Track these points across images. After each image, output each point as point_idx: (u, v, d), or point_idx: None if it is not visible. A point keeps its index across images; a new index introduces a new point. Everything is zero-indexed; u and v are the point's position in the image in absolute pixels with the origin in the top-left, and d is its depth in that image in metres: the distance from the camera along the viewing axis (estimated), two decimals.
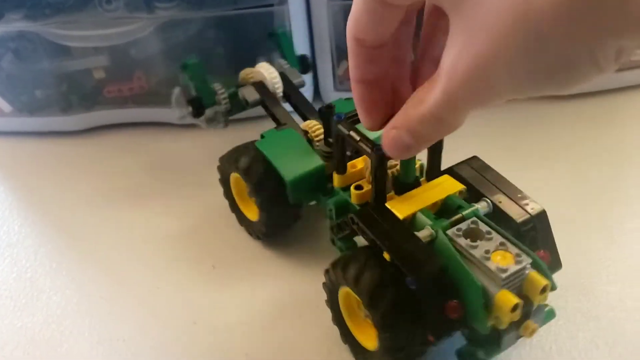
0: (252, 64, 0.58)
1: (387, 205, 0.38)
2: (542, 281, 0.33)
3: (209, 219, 0.54)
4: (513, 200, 0.38)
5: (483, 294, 0.33)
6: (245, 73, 0.57)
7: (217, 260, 0.50)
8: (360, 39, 0.30)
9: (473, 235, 0.35)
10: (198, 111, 0.55)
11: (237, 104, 0.56)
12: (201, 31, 0.62)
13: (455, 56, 0.25)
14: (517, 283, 0.33)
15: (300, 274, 0.48)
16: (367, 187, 0.42)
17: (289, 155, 0.46)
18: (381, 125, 0.33)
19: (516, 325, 0.34)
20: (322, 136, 0.48)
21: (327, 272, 0.40)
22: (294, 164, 0.46)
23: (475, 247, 0.34)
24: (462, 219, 0.36)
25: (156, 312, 0.46)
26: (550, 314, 0.38)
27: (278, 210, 0.48)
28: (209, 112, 0.56)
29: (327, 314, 0.43)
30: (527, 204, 0.38)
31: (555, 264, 0.39)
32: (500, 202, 0.38)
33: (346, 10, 0.62)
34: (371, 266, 0.37)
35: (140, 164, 0.62)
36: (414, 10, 0.31)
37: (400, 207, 0.38)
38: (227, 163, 0.49)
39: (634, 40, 0.21)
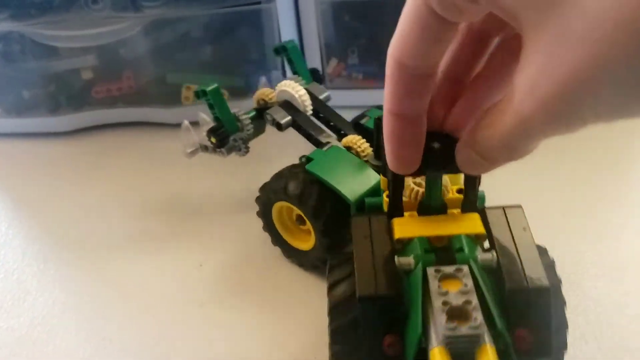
0: (242, 61, 0.58)
1: (394, 221, 0.36)
2: (489, 358, 0.29)
3: (196, 217, 0.54)
4: (521, 265, 0.33)
5: (425, 343, 0.30)
6: (264, 94, 0.52)
7: (205, 258, 0.50)
8: (405, 64, 0.25)
9: (450, 282, 0.32)
10: (222, 141, 0.50)
11: (256, 128, 0.52)
12: (189, 30, 0.62)
13: (534, 76, 0.21)
14: (467, 349, 0.29)
15: (296, 275, 0.48)
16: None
17: (344, 174, 0.44)
18: (408, 169, 0.30)
19: None
20: (367, 150, 0.46)
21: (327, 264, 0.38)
22: (353, 183, 0.43)
23: (442, 295, 0.31)
24: (454, 262, 0.33)
25: (143, 310, 0.46)
26: None
27: (339, 231, 0.45)
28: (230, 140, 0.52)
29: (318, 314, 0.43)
30: (533, 275, 0.33)
31: (541, 350, 0.33)
32: (507, 261, 0.34)
33: (334, 7, 0.62)
34: (351, 281, 0.35)
35: (129, 164, 0.62)
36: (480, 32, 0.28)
37: (403, 228, 0.35)
38: (273, 192, 0.46)
39: None
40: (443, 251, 0.34)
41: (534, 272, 0.33)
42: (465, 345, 0.29)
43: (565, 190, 0.54)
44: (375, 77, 0.65)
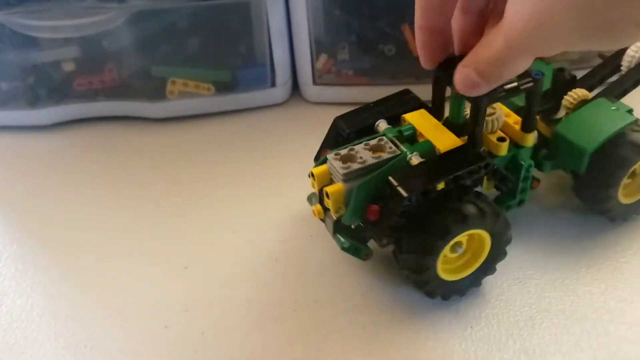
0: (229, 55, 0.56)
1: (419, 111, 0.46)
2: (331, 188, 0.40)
3: (182, 217, 0.52)
4: None
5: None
6: None
7: (190, 261, 0.48)
8: None
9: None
10: None
11: None
12: (175, 22, 0.60)
13: (515, 7, 0.28)
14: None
15: (280, 274, 0.47)
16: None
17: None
18: (436, 64, 0.38)
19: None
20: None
21: None
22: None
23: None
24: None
25: (125, 315, 0.44)
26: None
27: None
28: None
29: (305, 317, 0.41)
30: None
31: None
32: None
33: (325, 2, 0.61)
34: None
35: (111, 159, 0.60)
36: None
37: (411, 116, 0.45)
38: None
39: None
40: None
41: None
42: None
43: (560, 192, 0.53)
44: (366, 74, 0.63)
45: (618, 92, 0.48)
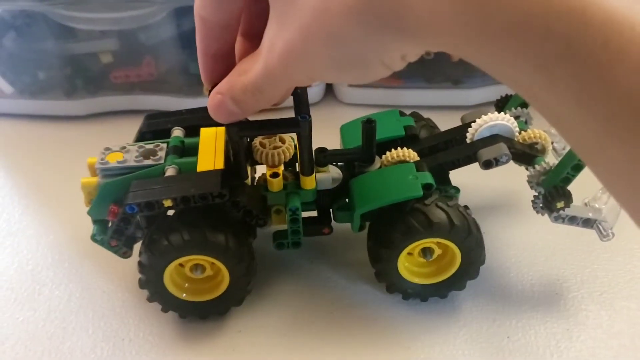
0: None
1: None
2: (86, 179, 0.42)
3: None
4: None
5: None
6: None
7: None
8: (204, 17, 0.32)
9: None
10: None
11: None
12: None
13: (272, 37, 0.28)
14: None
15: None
16: None
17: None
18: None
19: None
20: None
21: None
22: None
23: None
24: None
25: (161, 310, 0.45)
26: None
27: None
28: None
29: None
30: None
31: None
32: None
33: None
34: None
35: None
36: None
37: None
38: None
39: (412, 48, 0.26)
40: None
41: None
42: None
43: None
44: (402, 77, 0.63)
45: (445, 160, 0.44)
